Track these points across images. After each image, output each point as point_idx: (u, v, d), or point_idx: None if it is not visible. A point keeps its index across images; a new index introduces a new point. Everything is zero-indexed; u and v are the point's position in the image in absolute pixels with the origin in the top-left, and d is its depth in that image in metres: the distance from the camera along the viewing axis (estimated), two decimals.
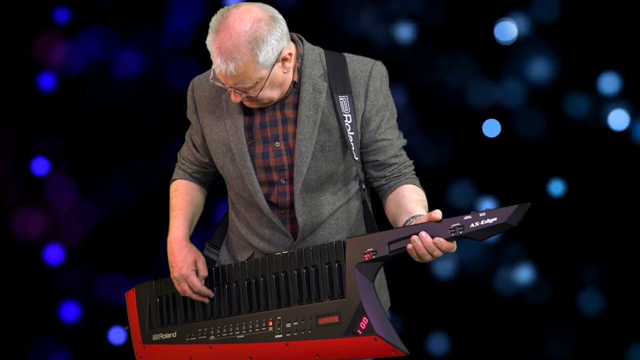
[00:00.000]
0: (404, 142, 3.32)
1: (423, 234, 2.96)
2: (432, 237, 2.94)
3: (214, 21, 3.11)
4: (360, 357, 3.04)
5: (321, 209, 3.28)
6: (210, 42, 3.10)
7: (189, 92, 3.37)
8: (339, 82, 3.23)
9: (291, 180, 3.25)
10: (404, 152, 3.32)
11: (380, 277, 3.42)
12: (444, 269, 5.36)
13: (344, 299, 3.03)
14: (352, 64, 3.26)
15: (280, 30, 3.11)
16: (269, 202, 3.28)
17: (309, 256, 3.12)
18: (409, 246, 2.98)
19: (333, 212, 3.30)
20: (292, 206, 3.27)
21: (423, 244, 2.96)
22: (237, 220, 3.39)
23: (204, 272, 3.32)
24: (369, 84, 3.24)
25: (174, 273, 3.32)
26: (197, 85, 3.36)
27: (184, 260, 3.31)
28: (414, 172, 3.32)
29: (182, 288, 3.31)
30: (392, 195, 3.27)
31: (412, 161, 3.34)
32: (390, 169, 3.29)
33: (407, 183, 3.28)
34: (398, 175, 3.29)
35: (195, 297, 3.30)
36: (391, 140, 3.28)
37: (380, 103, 3.26)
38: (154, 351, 3.35)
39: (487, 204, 5.27)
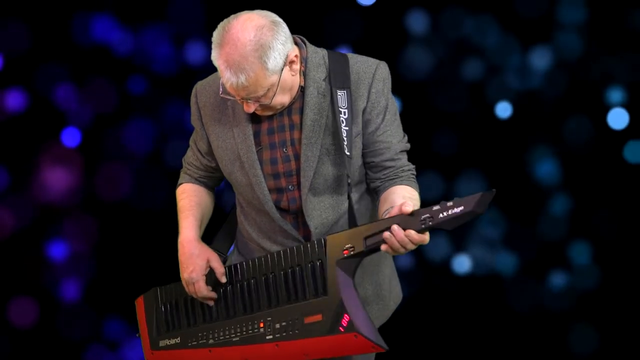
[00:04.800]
0: (405, 146, 3.26)
1: (395, 227, 2.92)
2: (404, 230, 2.91)
3: (216, 36, 3.07)
4: (344, 355, 3.02)
5: (331, 211, 3.25)
6: (216, 57, 3.06)
7: (192, 99, 3.32)
8: (338, 77, 3.18)
9: (299, 185, 3.22)
10: (403, 156, 3.25)
11: (392, 269, 3.40)
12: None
13: (326, 296, 3.03)
14: (355, 64, 3.23)
15: (283, 34, 3.08)
16: (280, 208, 3.26)
17: (294, 256, 3.12)
18: (383, 245, 2.95)
19: (343, 213, 3.27)
20: (303, 211, 3.25)
21: (396, 239, 2.92)
22: (247, 223, 3.35)
23: (220, 269, 3.26)
24: (372, 86, 3.21)
25: (184, 274, 3.28)
26: (201, 92, 3.32)
27: (195, 262, 3.27)
28: (413, 175, 3.25)
29: (190, 290, 3.29)
30: (383, 195, 3.21)
31: (413, 166, 3.26)
32: (385, 172, 3.23)
33: (401, 184, 3.21)
34: (393, 178, 3.23)
35: (201, 299, 3.30)
36: (389, 143, 3.22)
37: (382, 105, 3.22)
38: (162, 357, 3.38)
39: None
